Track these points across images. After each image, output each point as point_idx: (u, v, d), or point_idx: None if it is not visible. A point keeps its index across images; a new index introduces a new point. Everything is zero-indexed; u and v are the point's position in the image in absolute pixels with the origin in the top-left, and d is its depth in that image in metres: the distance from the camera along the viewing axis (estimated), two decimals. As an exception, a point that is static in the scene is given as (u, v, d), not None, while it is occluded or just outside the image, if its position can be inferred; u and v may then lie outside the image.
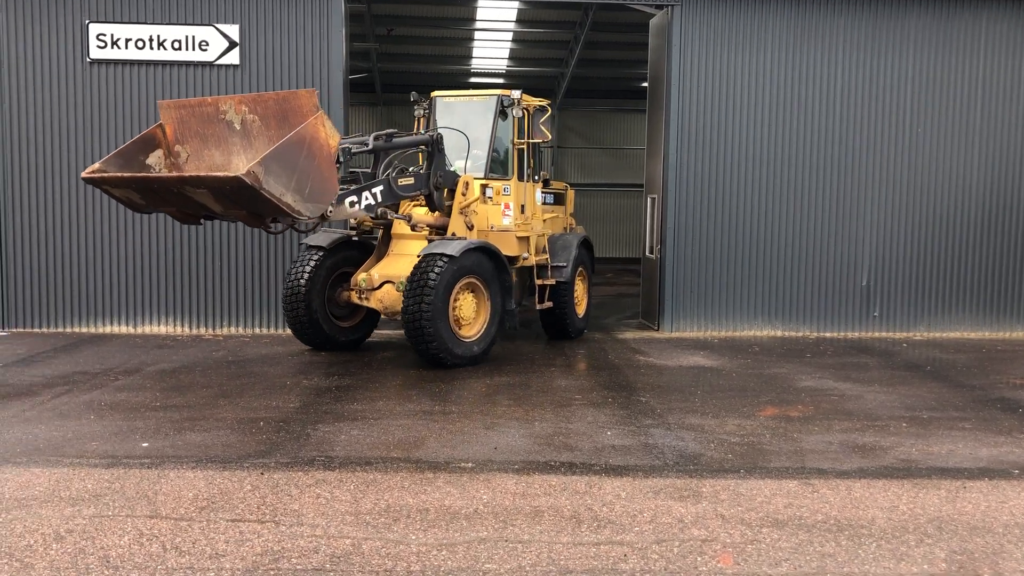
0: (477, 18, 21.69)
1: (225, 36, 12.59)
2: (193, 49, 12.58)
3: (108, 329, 12.60)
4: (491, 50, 24.94)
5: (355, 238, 11.26)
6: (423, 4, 20.51)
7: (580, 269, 12.68)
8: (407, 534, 4.90)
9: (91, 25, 12.45)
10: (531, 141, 11.84)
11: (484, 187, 11.33)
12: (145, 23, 12.52)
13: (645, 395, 8.87)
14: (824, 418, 8.00)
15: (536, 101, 12.11)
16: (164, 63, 12.56)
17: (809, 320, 13.53)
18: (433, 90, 12.29)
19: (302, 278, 10.72)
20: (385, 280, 10.62)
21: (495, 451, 6.65)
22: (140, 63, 12.54)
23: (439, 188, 10.77)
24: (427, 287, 9.58)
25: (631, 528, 5.06)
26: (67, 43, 12.45)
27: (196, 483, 5.75)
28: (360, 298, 10.82)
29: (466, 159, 11.60)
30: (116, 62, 12.52)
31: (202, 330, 12.67)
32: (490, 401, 8.46)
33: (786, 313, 13.48)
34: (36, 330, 12.56)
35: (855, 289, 13.56)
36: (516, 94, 11.55)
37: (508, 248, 11.26)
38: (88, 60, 12.47)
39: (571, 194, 14.06)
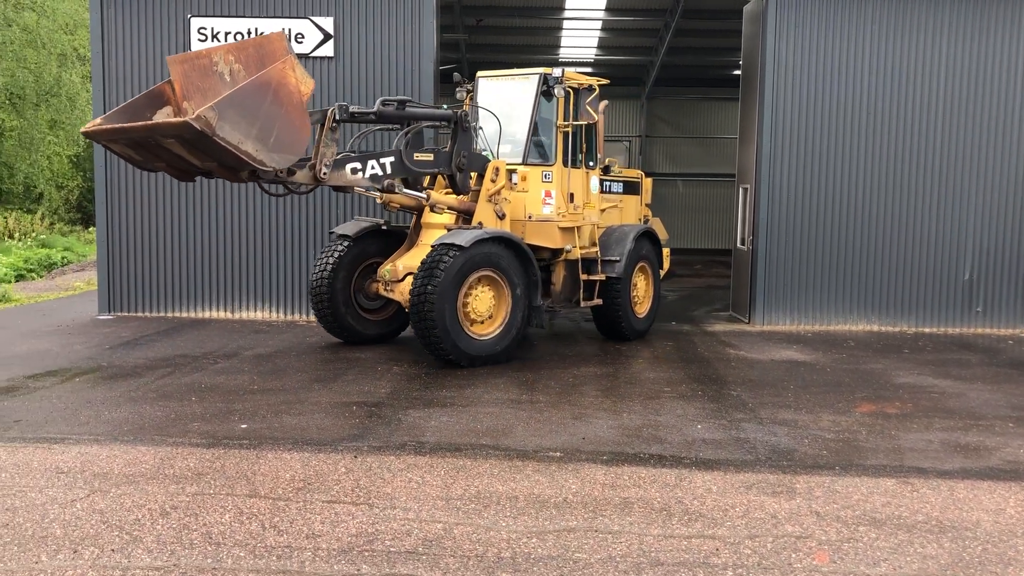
0: (566, 7, 21.58)
1: (320, 28, 12.84)
2: (289, 41, 12.83)
3: (207, 314, 13.03)
4: (580, 39, 24.78)
5: (384, 227, 10.78)
6: (512, -6, 20.52)
7: (642, 264, 11.69)
8: (497, 520, 4.94)
9: (192, 19, 12.85)
10: (576, 123, 10.85)
11: (511, 172, 10.55)
12: (244, 16, 12.86)
13: (736, 389, 8.73)
14: (924, 416, 7.73)
15: (584, 79, 11.24)
16: (261, 56, 12.87)
17: (907, 315, 13.08)
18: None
19: (326, 268, 10.43)
20: (409, 272, 10.00)
21: (583, 441, 6.64)
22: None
23: (462, 169, 10.12)
24: (431, 282, 9.02)
25: (723, 522, 4.99)
26: (170, 37, 12.88)
27: (292, 464, 5.90)
28: (386, 290, 10.32)
29: (498, 142, 10.88)
30: (216, 55, 12.89)
31: (296, 316, 12.98)
32: (577, 392, 8.44)
33: (883, 307, 13.06)
34: (139, 314, 13.07)
35: (957, 283, 13.05)
36: (558, 71, 10.57)
37: (547, 239, 10.61)
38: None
39: (648, 183, 13.11)
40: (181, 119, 7.48)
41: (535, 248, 10.42)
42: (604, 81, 11.61)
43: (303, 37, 12.84)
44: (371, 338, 10.86)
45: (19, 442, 6.32)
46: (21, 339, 10.98)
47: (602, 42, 25.16)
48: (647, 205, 13.16)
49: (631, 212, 12.57)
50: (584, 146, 11.16)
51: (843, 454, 6.46)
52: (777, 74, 12.84)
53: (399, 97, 9.99)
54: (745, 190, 13.55)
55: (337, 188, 9.58)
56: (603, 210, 11.67)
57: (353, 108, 9.31)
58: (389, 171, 9.58)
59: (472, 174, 10.26)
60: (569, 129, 10.76)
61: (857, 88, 12.87)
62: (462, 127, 10.14)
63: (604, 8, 21.68)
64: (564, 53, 26.40)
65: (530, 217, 10.69)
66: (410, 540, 4.63)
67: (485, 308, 9.58)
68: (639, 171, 13.14)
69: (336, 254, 10.54)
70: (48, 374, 8.87)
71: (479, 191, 10.21)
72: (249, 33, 12.84)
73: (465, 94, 11.60)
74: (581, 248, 10.92)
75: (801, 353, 10.92)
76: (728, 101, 28.73)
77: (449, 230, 9.92)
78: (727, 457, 6.30)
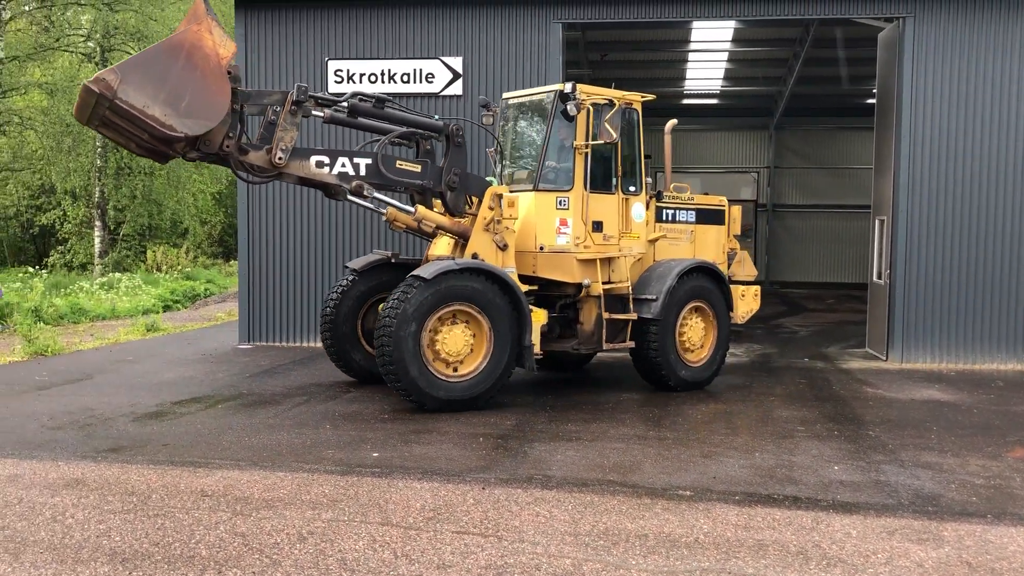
0: (691, 39, 21.45)
1: (450, 68, 13.20)
2: (420, 81, 13.28)
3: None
4: (705, 71, 24.56)
5: (393, 260, 10.14)
6: (637, 28, 20.54)
7: (696, 305, 10.22)
8: (627, 558, 4.86)
9: (330, 62, 13.44)
10: (594, 143, 9.57)
11: (498, 197, 9.35)
12: (377, 59, 13.37)
13: (874, 429, 8.34)
14: (1086, 463, 7.18)
15: (604, 93, 9.89)
16: (393, 95, 13.31)
17: (1063, 354, 12.24)
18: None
19: (329, 304, 10.09)
20: None
21: (714, 480, 6.48)
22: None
23: (453, 188, 9.37)
24: (388, 318, 8.46)
25: (864, 569, 4.76)
26: (309, 78, 13.48)
27: (423, 494, 5.99)
28: None
29: (498, 165, 10.24)
30: (351, 96, 13.42)
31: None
32: (707, 428, 8.26)
33: (1035, 345, 12.27)
34: (277, 344, 13.62)
35: (1120, 320, 12.13)
36: (569, 86, 9.46)
37: (563, 273, 9.63)
38: (327, 94, 13.43)
39: (735, 212, 11.60)
40: (85, 82, 7.43)
41: (556, 283, 9.71)
42: (646, 97, 10.57)
43: (433, 77, 13.23)
44: (378, 378, 9.63)
45: (167, 465, 6.65)
46: (168, 367, 11.61)
47: (728, 73, 24.86)
48: (735, 237, 11.70)
49: (710, 244, 11.15)
50: (620, 169, 9.96)
51: (995, 502, 6.07)
52: (915, 101, 12.36)
53: (378, 94, 9.43)
54: (881, 222, 13.04)
55: (303, 182, 9.08)
56: (653, 240, 10.42)
57: (318, 95, 8.93)
58: (363, 173, 9.01)
59: (472, 199, 9.58)
60: (587, 150, 9.62)
61: (1002, 113, 12.24)
62: (454, 142, 9.46)
63: (731, 40, 21.43)
64: (690, 86, 26.23)
65: (542, 248, 9.68)
66: (539, 575, 4.61)
67: (459, 347, 8.73)
68: (721, 198, 11.61)
69: (340, 289, 10.17)
70: (193, 400, 9.34)
71: (476, 216, 9.39)
72: (383, 74, 13.33)
73: (491, 118, 10.79)
74: (613, 283, 9.81)
75: (944, 393, 10.36)
76: (862, 130, 27.81)
77: (440, 260, 9.12)
78: (867, 500, 6.02)
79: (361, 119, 9.31)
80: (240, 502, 5.77)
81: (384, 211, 9.51)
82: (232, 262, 30.83)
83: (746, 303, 11.16)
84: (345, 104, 9.11)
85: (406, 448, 7.30)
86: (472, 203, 9.61)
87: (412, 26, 13.34)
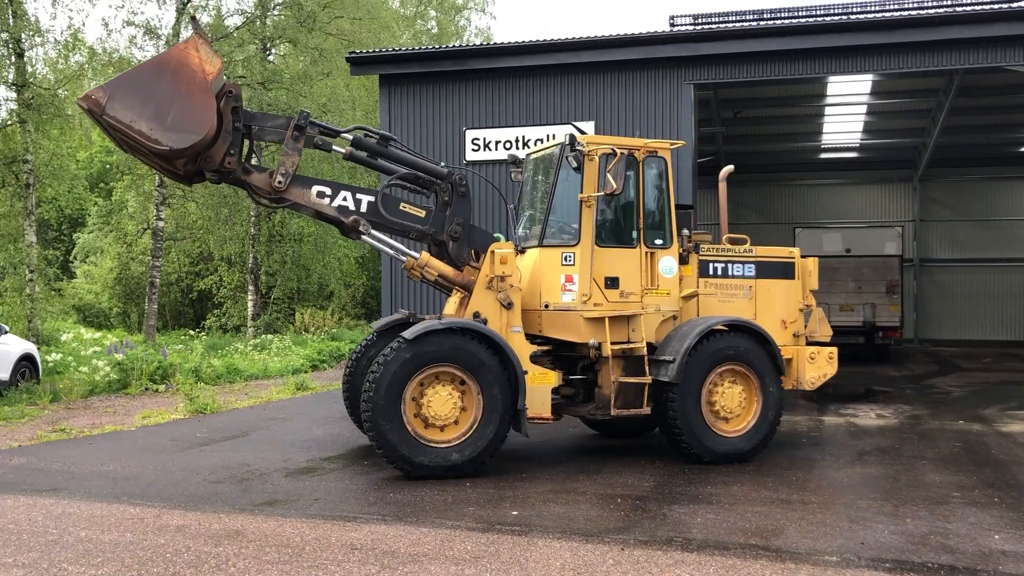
0: (828, 93, 21.13)
1: (581, 132, 13.45)
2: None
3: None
4: (844, 124, 24.08)
5: (411, 319, 9.77)
6: (770, 85, 20.42)
7: (731, 367, 9.32)
8: (771, 625, 4.76)
9: (467, 131, 14.00)
10: (597, 195, 9.05)
11: (491, 253, 9.01)
12: (511, 126, 13.84)
13: (1039, 496, 7.84)
14: None
15: (609, 142, 9.34)
16: (528, 160, 13.74)
17: None
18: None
19: (349, 364, 10.01)
20: None
21: (862, 546, 6.26)
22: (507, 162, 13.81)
23: (456, 239, 9.16)
24: (369, 380, 8.27)
25: (1031, 646, 4.49)
26: (448, 147, 14.08)
27: (562, 553, 6.05)
28: None
29: (514, 219, 9.88)
30: (488, 162, 13.91)
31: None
32: (853, 493, 7.97)
33: None
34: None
35: None
36: (567, 135, 9.11)
37: (569, 332, 9.18)
38: (464, 161, 13.97)
39: (809, 264, 10.52)
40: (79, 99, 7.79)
41: (571, 343, 9.25)
42: (675, 144, 10.03)
43: (567, 141, 13.53)
44: None
45: (319, 518, 6.97)
46: (317, 424, 12.13)
47: (868, 126, 24.29)
48: (812, 291, 10.59)
49: (776, 301, 10.19)
50: (642, 221, 9.43)
51: None
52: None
53: (384, 132, 9.25)
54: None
55: (298, 208, 8.99)
56: (688, 296, 9.73)
57: (316, 124, 8.89)
58: (363, 210, 8.91)
59: (474, 252, 9.30)
60: (591, 203, 9.11)
61: None
62: (458, 191, 9.19)
63: (869, 92, 20.99)
64: (827, 140, 25.75)
65: (547, 306, 9.26)
66: (681, 637, 4.59)
67: (446, 411, 8.39)
68: (791, 249, 10.68)
69: (360, 349, 10.12)
70: (340, 456, 9.73)
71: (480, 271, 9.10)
72: (516, 141, 13.76)
73: (521, 175, 10.49)
74: (630, 344, 9.20)
75: (1120, 459, 9.62)
76: (1016, 180, 26.53)
77: (428, 319, 8.92)
78: (1032, 573, 5.67)
79: (380, 160, 9.29)
80: (387, 556, 5.98)
81: (404, 258, 9.32)
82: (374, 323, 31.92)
83: (817, 367, 10.08)
84: (349, 137, 9.13)
85: (544, 507, 7.38)
86: (479, 258, 9.30)
87: (544, 94, 13.77)
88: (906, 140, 25.52)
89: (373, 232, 8.99)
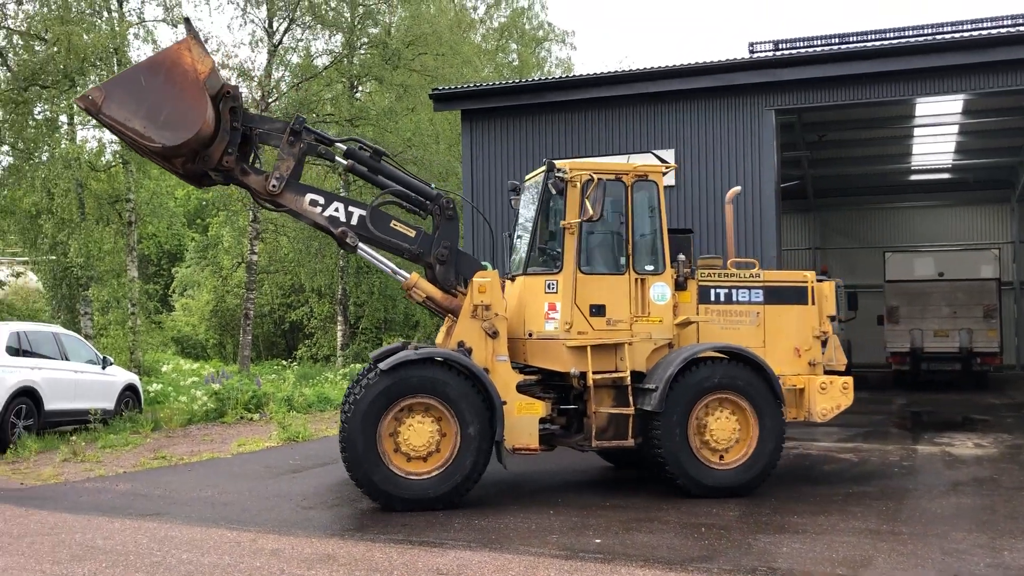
0: (916, 114, 20.66)
1: (662, 160, 13.49)
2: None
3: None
4: (934, 145, 23.47)
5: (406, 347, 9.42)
6: (856, 107, 20.09)
7: (723, 396, 8.92)
8: (858, 656, 4.70)
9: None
10: (573, 221, 8.88)
11: (472, 281, 8.92)
12: (591, 156, 13.95)
13: None
14: None
15: (590, 167, 9.04)
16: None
17: None
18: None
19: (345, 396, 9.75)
20: None
21: (955, 579, 6.10)
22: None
23: (442, 262, 9.09)
24: (344, 412, 8.31)
25: None
26: (524, 175, 14.27)
27: (645, 581, 6.08)
28: None
29: (507, 247, 9.79)
30: (568, 192, 14.07)
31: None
32: (947, 524, 7.76)
33: None
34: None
35: None
36: (547, 161, 9.14)
37: (552, 361, 8.99)
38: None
39: (826, 288, 9.99)
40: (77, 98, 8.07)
41: (560, 373, 9.02)
42: (668, 167, 9.77)
43: (647, 169, 13.58)
44: None
45: (406, 544, 7.14)
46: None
47: (960, 146, 23.63)
48: (831, 319, 10.03)
49: (788, 327, 9.71)
50: (630, 247, 9.18)
51: None
52: None
53: (376, 147, 9.27)
54: None
55: (294, 215, 9.09)
56: (682, 324, 9.31)
57: (316, 129, 8.97)
58: (353, 223, 8.92)
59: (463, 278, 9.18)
60: (572, 229, 8.93)
61: None
62: (445, 215, 9.13)
63: (961, 112, 20.44)
64: (917, 161, 25.13)
65: (531, 334, 9.13)
66: (764, 667, 4.57)
67: (422, 442, 8.29)
68: (805, 273, 10.13)
69: (358, 379, 9.65)
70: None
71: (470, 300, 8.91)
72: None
73: (517, 202, 10.39)
74: (615, 373, 8.93)
75: None
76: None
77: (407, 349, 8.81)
78: None
79: (381, 176, 9.30)
80: (472, 581, 6.11)
81: (399, 277, 9.33)
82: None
83: (829, 397, 9.51)
84: (343, 147, 9.17)
85: (628, 535, 7.40)
86: (467, 285, 9.16)
87: (624, 123, 13.89)
88: (1002, 160, 24.71)
89: (361, 246, 9.01)
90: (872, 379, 24.76)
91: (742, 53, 13.85)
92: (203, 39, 8.73)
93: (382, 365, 8.28)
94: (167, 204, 26.92)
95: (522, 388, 9.01)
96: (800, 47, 15.61)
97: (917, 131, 22.14)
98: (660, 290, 9.24)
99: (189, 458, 11.92)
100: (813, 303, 9.84)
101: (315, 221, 9.03)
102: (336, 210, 8.96)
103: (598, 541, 7.21)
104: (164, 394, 19.28)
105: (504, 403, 8.51)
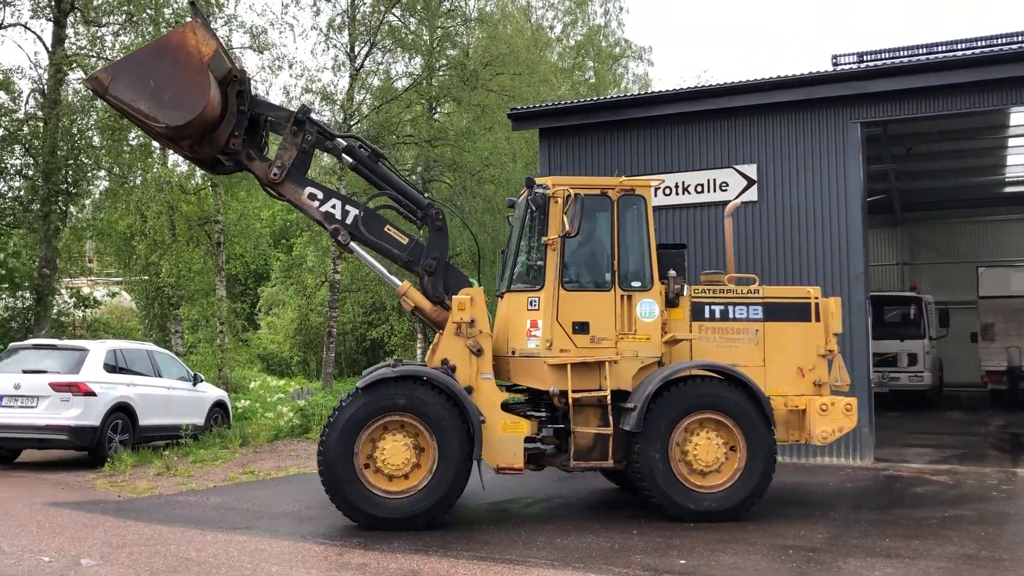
0: (1011, 124, 19.92)
1: (743, 175, 13.38)
2: (713, 191, 13.56)
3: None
4: (1029, 155, 22.59)
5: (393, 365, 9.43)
6: (945, 118, 19.50)
7: (708, 416, 8.66)
8: None
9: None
10: (553, 237, 8.81)
11: (453, 299, 8.92)
12: (671, 172, 13.86)
13: None
14: None
15: (573, 182, 8.94)
16: (688, 205, 13.72)
17: None
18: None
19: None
20: None
21: (1062, 608, 5.83)
22: (668, 208, 13.82)
23: (431, 273, 9.08)
24: (324, 428, 8.28)
25: None
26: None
27: (732, 603, 5.97)
28: None
29: (479, 264, 9.89)
30: (648, 209, 13.98)
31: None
32: (1052, 550, 7.43)
33: None
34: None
35: None
36: (527, 178, 9.12)
37: (534, 379, 8.89)
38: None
39: (831, 304, 9.64)
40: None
41: (543, 391, 8.88)
42: (657, 181, 9.70)
43: (727, 185, 13.46)
44: None
45: (489, 561, 7.17)
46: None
47: (1058, 156, 22.66)
48: (836, 335, 9.65)
49: (791, 345, 9.37)
50: (615, 263, 8.99)
51: None
52: None
53: (375, 148, 9.32)
54: None
55: (293, 205, 9.23)
56: (671, 342, 9.07)
57: (319, 120, 9.06)
58: (348, 222, 9.00)
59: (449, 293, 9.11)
60: (554, 245, 8.80)
61: None
62: (434, 225, 9.13)
63: (1057, 119, 19.62)
64: (1011, 173, 24.23)
65: (513, 352, 9.04)
66: None
67: (400, 460, 8.23)
68: (809, 289, 9.83)
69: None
70: (508, 502, 9.96)
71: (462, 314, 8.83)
72: (677, 186, 13.77)
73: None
74: (596, 392, 8.72)
75: None
76: None
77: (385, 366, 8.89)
78: None
79: (377, 178, 9.39)
80: (556, 600, 6.09)
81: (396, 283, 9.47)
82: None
83: (830, 419, 9.07)
84: (343, 143, 9.32)
85: (712, 556, 7.29)
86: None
87: (704, 138, 13.75)
88: (1105, 169, 23.63)
89: (353, 245, 9.11)
90: (966, 398, 23.89)
91: (823, 66, 13.61)
92: (209, 23, 8.97)
93: (359, 383, 8.34)
94: (254, 225, 27.68)
95: (511, 407, 8.98)
96: (885, 59, 15.26)
97: (1011, 141, 21.34)
98: (647, 307, 9.02)
99: (276, 473, 12.19)
100: (817, 320, 9.51)
101: (311, 215, 9.17)
102: (333, 207, 9.06)
103: (683, 562, 7.12)
104: (251, 410, 19.76)
105: (484, 421, 8.46)
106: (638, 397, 8.58)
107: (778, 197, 13.16)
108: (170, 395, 14.44)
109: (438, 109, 29.95)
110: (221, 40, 8.99)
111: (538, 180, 9.07)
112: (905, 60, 13.96)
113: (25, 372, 12.72)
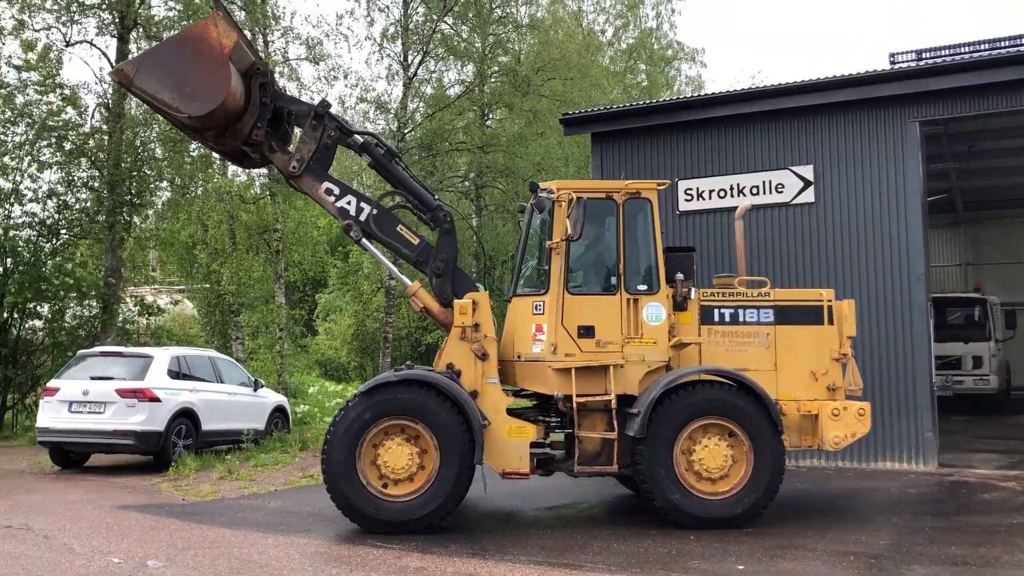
0: (1078, 118, 19.33)
1: (800, 177, 13.20)
2: (769, 192, 13.41)
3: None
4: (1102, 150, 21.85)
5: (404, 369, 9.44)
6: (1008, 115, 19.01)
7: (711, 422, 8.54)
8: None
9: (680, 182, 14.06)
10: (557, 241, 8.83)
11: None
12: (725, 175, 13.76)
13: None
14: None
15: (573, 186, 9.00)
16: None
17: None
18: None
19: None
20: None
21: None
22: (721, 210, 13.71)
23: (439, 275, 9.14)
24: (328, 432, 8.38)
25: None
26: (660, 198, 14.14)
27: (791, 610, 5.91)
28: None
29: (484, 270, 9.45)
30: (701, 212, 13.90)
31: (812, 462, 12.88)
32: None
33: None
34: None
35: None
36: (530, 183, 9.27)
37: (539, 383, 8.88)
38: (677, 212, 14.02)
39: (845, 307, 9.37)
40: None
41: (550, 396, 8.84)
42: (662, 184, 9.42)
43: (783, 187, 13.30)
44: None
45: (545, 565, 7.19)
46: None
47: None
48: (849, 338, 9.37)
49: (803, 349, 9.19)
50: (621, 266, 8.91)
51: None
52: None
53: (391, 147, 9.42)
54: None
55: (312, 198, 9.39)
56: (678, 346, 8.98)
57: (339, 116, 9.21)
58: (361, 218, 9.13)
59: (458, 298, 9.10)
60: (559, 249, 8.79)
61: None
62: (442, 227, 9.21)
63: None
64: (1081, 168, 23.46)
65: (519, 356, 9.02)
66: None
67: (402, 464, 8.31)
68: (822, 291, 9.61)
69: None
70: (564, 506, 10.00)
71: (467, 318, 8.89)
72: (732, 189, 13.66)
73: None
74: (600, 396, 8.65)
75: None
76: None
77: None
78: None
79: (392, 177, 9.50)
80: (613, 605, 6.09)
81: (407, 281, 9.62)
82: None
83: (843, 424, 8.90)
84: (360, 139, 9.46)
85: (772, 563, 7.21)
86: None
87: (759, 140, 13.61)
88: None
89: (364, 242, 9.27)
90: (1035, 402, 23.22)
91: (881, 65, 13.37)
92: (232, 16, 9.18)
93: (362, 387, 8.44)
94: (311, 233, 28.09)
95: (518, 411, 8.99)
96: (945, 56, 14.95)
97: (1081, 136, 20.71)
98: (654, 311, 8.93)
99: (334, 477, 12.35)
100: (831, 323, 9.29)
101: (327, 208, 9.38)
102: (348, 203, 9.22)
103: (741, 567, 7.07)
104: (310, 415, 20.08)
105: (488, 425, 8.50)
106: (642, 402, 8.52)
107: (835, 198, 12.97)
108: (231, 400, 14.75)
109: (490, 115, 30.10)
110: (244, 33, 9.29)
111: (542, 184, 9.11)
112: (966, 57, 13.65)
113: (93, 379, 13.12)
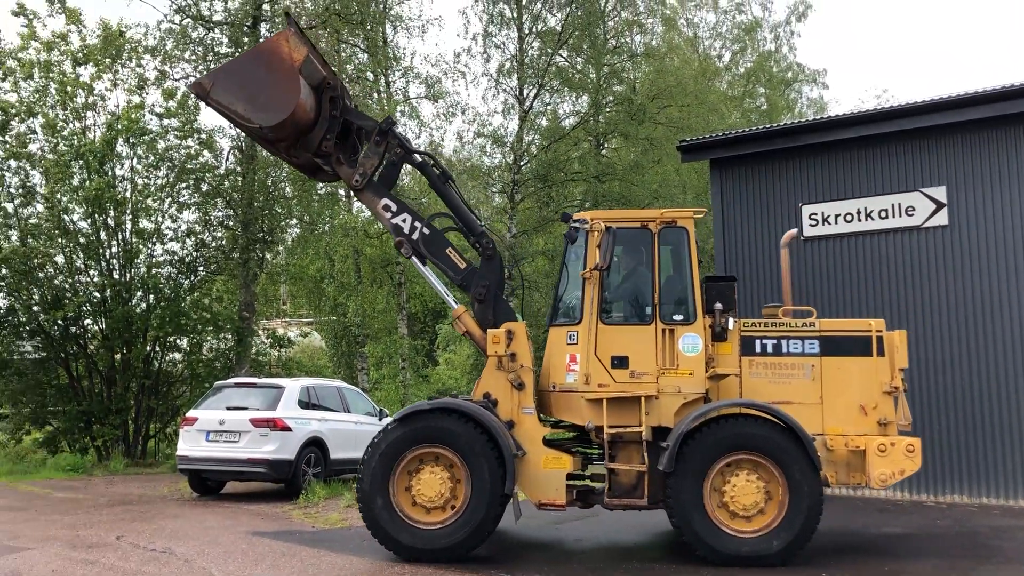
0: None
1: (932, 199, 12.67)
2: (899, 216, 12.91)
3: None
4: None
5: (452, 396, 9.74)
6: None
7: (744, 457, 8.22)
8: None
9: (803, 207, 13.70)
10: (587, 271, 8.86)
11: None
12: (851, 198, 13.32)
13: None
14: None
15: (605, 216, 9.03)
16: (870, 232, 13.12)
17: None
18: None
19: None
20: None
21: None
22: (848, 235, 13.28)
23: (480, 300, 9.26)
24: (363, 457, 8.49)
25: None
26: (784, 224, 13.81)
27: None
28: None
29: (522, 300, 9.06)
30: (826, 236, 13.48)
31: (924, 496, 12.28)
32: None
33: None
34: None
35: None
36: (562, 213, 9.38)
37: (572, 414, 8.82)
38: (802, 238, 13.65)
39: (897, 338, 8.92)
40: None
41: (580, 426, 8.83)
42: (698, 212, 9.06)
43: (913, 210, 12.79)
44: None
45: None
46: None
47: None
48: (902, 371, 8.86)
49: (852, 381, 8.77)
50: (656, 296, 8.77)
51: None
52: None
53: (446, 170, 9.62)
54: None
55: (372, 212, 9.62)
56: (716, 377, 8.77)
57: (401, 134, 9.49)
58: (414, 237, 9.32)
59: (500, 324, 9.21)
60: (592, 279, 8.78)
61: None
62: (485, 254, 9.31)
63: None
64: None
65: (554, 387, 8.99)
66: None
67: (434, 492, 8.36)
68: (871, 321, 9.08)
69: None
70: (577, 518, 9.76)
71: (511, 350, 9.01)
72: (859, 213, 13.22)
73: None
74: (632, 428, 8.48)
75: None
76: None
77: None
78: None
79: (444, 198, 9.70)
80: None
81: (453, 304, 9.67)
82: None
83: (890, 461, 8.43)
84: (418, 159, 9.72)
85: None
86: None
87: (887, 162, 13.15)
88: None
89: (414, 260, 9.52)
90: None
91: (1016, 81, 12.72)
92: (303, 31, 9.57)
93: (397, 415, 8.63)
94: (431, 266, 28.66)
95: (557, 442, 8.97)
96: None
97: None
98: (691, 341, 8.74)
99: (457, 507, 12.47)
100: (881, 354, 8.83)
101: (384, 224, 9.69)
102: (403, 221, 9.50)
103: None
104: (432, 445, 20.28)
105: (523, 455, 8.57)
106: (672, 436, 8.36)
107: (971, 221, 12.37)
108: (358, 429, 15.12)
109: (605, 145, 30.12)
110: (316, 47, 9.75)
111: (576, 215, 9.19)
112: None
113: (229, 408, 13.69)
